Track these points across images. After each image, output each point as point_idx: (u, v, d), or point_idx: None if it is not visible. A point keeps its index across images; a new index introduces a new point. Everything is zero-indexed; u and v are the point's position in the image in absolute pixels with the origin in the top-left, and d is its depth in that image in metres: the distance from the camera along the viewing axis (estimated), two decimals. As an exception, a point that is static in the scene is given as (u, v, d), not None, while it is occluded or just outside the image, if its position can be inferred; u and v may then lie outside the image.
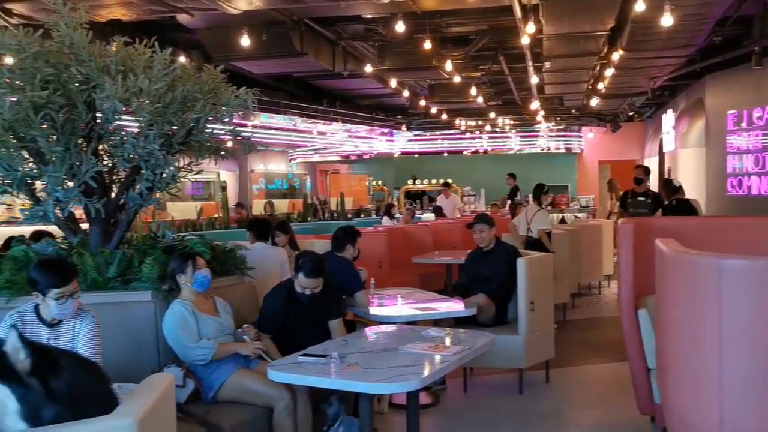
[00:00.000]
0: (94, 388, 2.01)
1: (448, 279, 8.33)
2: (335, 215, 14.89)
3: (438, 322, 5.02)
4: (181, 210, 13.06)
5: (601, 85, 11.83)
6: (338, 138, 19.57)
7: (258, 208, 15.99)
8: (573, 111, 17.35)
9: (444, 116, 17.59)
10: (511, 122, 19.74)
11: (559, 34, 8.16)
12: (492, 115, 17.84)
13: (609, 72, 10.31)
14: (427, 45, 9.18)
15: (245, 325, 3.94)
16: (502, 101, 16.14)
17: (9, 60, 4.09)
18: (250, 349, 3.73)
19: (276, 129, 16.82)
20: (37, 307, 3.21)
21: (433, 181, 19.82)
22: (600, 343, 7.17)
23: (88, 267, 3.90)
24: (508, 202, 14.06)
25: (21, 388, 1.87)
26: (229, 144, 4.95)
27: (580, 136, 20.96)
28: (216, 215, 13.06)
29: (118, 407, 1.74)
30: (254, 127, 15.11)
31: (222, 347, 3.69)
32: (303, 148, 20.89)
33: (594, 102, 14.06)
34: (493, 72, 12.51)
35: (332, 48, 10.12)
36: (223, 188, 14.64)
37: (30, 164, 4.04)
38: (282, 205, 17.16)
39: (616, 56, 9.11)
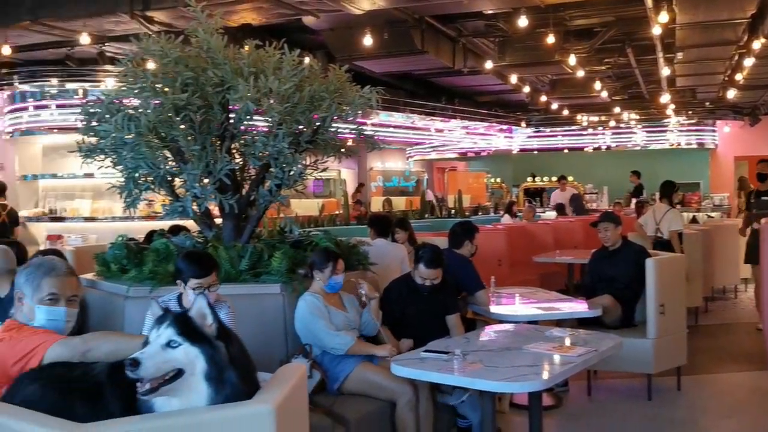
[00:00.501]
0: (250, 365, 2.16)
1: (569, 279, 8.11)
2: (453, 213, 14.84)
3: (560, 323, 4.90)
4: (304, 207, 13.47)
5: (739, 76, 11.08)
6: (456, 135, 19.48)
7: (376, 205, 16.22)
8: (706, 104, 16.35)
9: (565, 112, 17.10)
10: (637, 117, 18.89)
11: (694, 22, 7.71)
12: (617, 109, 17.15)
13: (748, 62, 9.63)
14: (550, 39, 8.95)
15: (361, 282, 4.01)
16: (628, 95, 15.47)
17: (151, 65, 4.39)
18: (388, 350, 3.78)
19: (394, 127, 16.97)
20: (180, 297, 3.43)
21: (553, 179, 19.34)
22: (737, 350, 6.73)
23: (222, 260, 4.10)
24: (634, 200, 13.48)
25: (210, 350, 2.03)
26: (350, 142, 5.07)
27: (714, 131, 19.70)
28: (336, 212, 13.36)
29: (257, 394, 1.83)
30: (373, 125, 15.33)
31: (359, 345, 3.77)
32: (421, 146, 20.97)
33: (731, 94, 13.18)
34: (620, 65, 12.03)
35: (452, 45, 10.09)
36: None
37: (170, 162, 4.32)
38: (400, 203, 17.30)
39: (757, 45, 8.49)
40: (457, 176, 21.65)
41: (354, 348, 3.73)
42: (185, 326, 2.07)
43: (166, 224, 6.19)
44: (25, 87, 10.07)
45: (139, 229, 7.67)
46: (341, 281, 3.92)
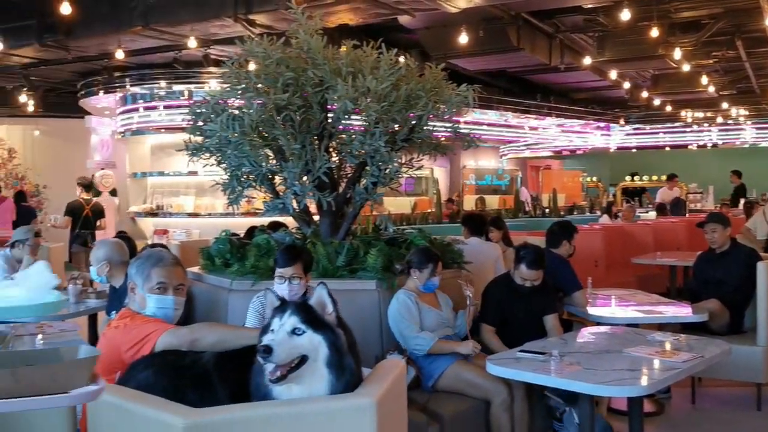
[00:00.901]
0: (360, 355, 2.22)
1: (671, 282, 7.79)
2: (547, 212, 14.56)
3: (662, 327, 4.72)
4: (396, 205, 13.57)
5: None
6: (551, 133, 19.09)
7: (469, 203, 16.13)
8: (824, 98, 15.32)
9: (668, 108, 16.43)
10: (746, 113, 17.90)
11: (812, 12, 7.25)
12: (724, 105, 16.32)
13: None
14: (654, 33, 8.63)
15: (468, 285, 4.02)
16: (737, 90, 14.69)
17: (252, 66, 4.54)
18: (470, 347, 3.77)
19: (488, 125, 16.82)
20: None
21: (654, 178, 18.62)
22: None
23: (320, 256, 4.20)
24: (742, 200, 12.78)
25: (332, 337, 2.11)
26: (442, 140, 5.06)
27: (836, 127, 18.39)
28: (429, 210, 13.39)
29: (359, 387, 1.88)
30: (466, 123, 15.24)
31: (440, 343, 3.77)
32: (514, 144, 20.67)
33: None
34: (728, 59, 11.45)
35: (549, 41, 9.91)
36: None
37: (271, 161, 4.46)
38: (492, 201, 17.14)
39: None
40: (552, 175, 21.21)
41: (436, 347, 3.73)
42: (308, 314, 2.15)
43: (264, 221, 6.39)
44: (136, 89, 10.64)
45: (239, 225, 7.95)
46: (438, 283, 3.93)
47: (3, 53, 8.85)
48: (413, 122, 4.44)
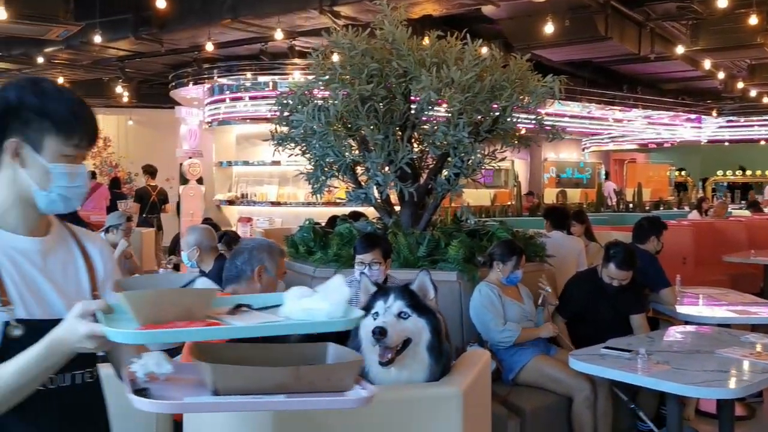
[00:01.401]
0: (451, 342, 2.25)
1: (765, 281, 7.43)
2: (631, 206, 14.12)
3: (756, 328, 4.51)
4: (475, 197, 13.46)
5: None
6: (637, 125, 18.46)
7: (549, 196, 15.83)
8: None
9: (765, 100, 15.61)
10: None
11: None
12: (827, 97, 15.38)
13: None
14: (753, 20, 8.20)
15: (545, 285, 3.97)
16: (841, 81, 13.81)
17: (335, 57, 4.60)
18: (551, 329, 3.74)
19: (570, 116, 16.43)
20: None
21: (748, 173, 17.75)
22: None
23: (401, 246, 4.23)
24: None
25: (435, 321, 2.16)
26: (523, 131, 4.98)
27: None
28: (509, 202, 13.22)
29: (444, 377, 1.89)
30: (548, 115, 14.94)
31: (525, 332, 3.75)
32: (597, 136, 20.11)
33: None
34: (833, 47, 10.75)
35: (638, 30, 9.57)
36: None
37: (355, 151, 4.51)
38: (574, 194, 16.75)
39: None
40: (637, 168, 20.55)
41: (522, 337, 3.71)
42: (412, 298, 2.20)
43: (344, 210, 6.48)
44: (223, 80, 10.95)
45: (319, 214, 8.08)
46: (520, 276, 3.89)
47: (101, 46, 9.29)
48: (497, 113, 4.40)
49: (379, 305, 2.16)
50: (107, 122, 15.83)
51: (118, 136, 15.89)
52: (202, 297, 1.28)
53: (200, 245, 4.31)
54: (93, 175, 13.25)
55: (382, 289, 2.24)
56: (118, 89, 13.05)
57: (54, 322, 1.33)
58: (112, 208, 11.58)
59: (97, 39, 8.54)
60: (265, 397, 1.22)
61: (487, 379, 2.14)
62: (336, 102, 4.21)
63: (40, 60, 10.36)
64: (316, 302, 1.25)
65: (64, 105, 1.43)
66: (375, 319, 2.13)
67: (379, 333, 2.02)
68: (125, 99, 13.61)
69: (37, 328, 1.35)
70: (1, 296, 1.37)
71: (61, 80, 13.03)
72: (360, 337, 2.09)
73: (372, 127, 4.24)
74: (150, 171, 11.47)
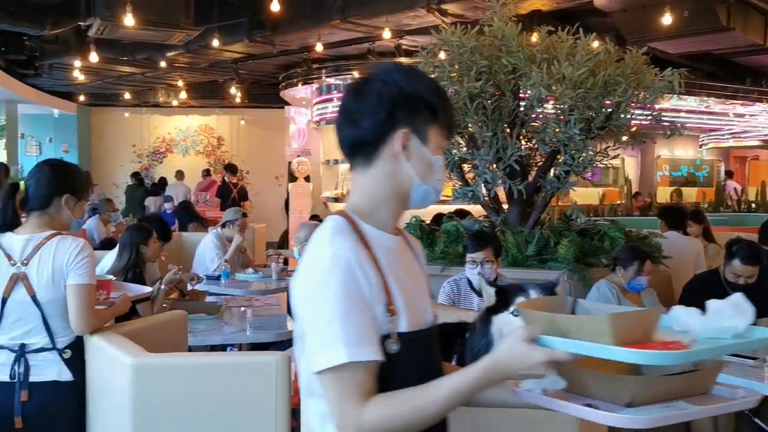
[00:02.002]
0: None
1: None
2: (754, 207, 13.31)
3: None
4: (583, 195, 13.09)
5: None
6: (760, 120, 17.36)
7: (663, 195, 15.17)
8: None
9: None
10: None
11: None
12: None
13: None
14: None
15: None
16: None
17: (442, 55, 4.61)
18: None
19: (686, 112, 15.67)
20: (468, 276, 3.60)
21: None
22: None
23: (510, 244, 4.19)
24: None
25: None
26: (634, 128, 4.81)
27: None
28: (618, 201, 12.79)
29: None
30: (662, 110, 14.32)
31: None
32: (716, 132, 19.05)
33: None
34: None
35: (764, 19, 8.99)
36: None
37: (462, 149, 4.51)
38: (690, 194, 15.97)
39: None
40: (760, 166, 19.33)
41: None
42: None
43: (448, 208, 6.47)
44: (331, 80, 11.20)
45: (423, 212, 8.10)
46: (644, 283, 3.72)
47: (218, 49, 9.72)
48: (609, 110, 4.28)
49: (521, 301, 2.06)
50: (221, 122, 16.58)
51: (231, 136, 16.58)
52: (655, 318, 1.31)
53: None
54: (207, 172, 13.94)
55: (520, 287, 2.16)
56: (232, 90, 13.62)
57: (424, 333, 1.28)
58: (229, 204, 12.24)
59: (215, 43, 8.95)
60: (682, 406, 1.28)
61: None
62: (444, 100, 4.21)
63: (162, 64, 10.97)
64: (731, 321, 1.28)
65: (439, 95, 1.36)
66: (518, 315, 2.02)
67: None
68: (238, 99, 14.19)
69: (410, 341, 1.27)
70: (388, 304, 1.25)
71: (180, 83, 13.77)
72: (492, 335, 2.02)
73: (480, 124, 4.23)
74: (231, 169, 12.26)
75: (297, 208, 11.66)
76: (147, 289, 3.48)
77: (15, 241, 2.43)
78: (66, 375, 2.42)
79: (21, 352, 2.39)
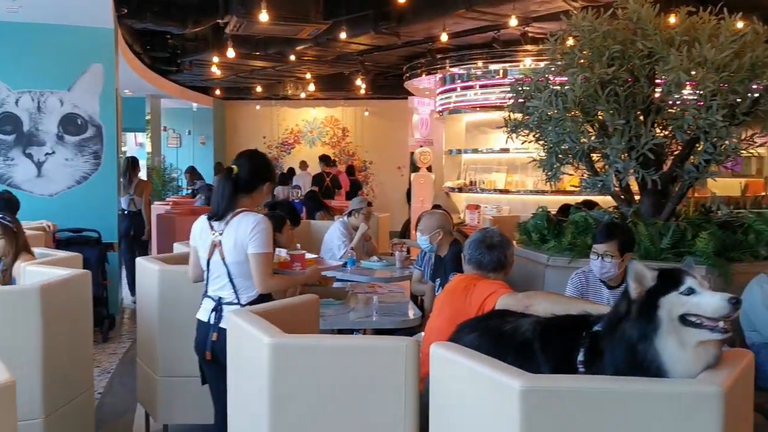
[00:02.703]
0: None
1: None
2: None
3: None
4: (721, 187, 12.29)
5: None
6: None
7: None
8: None
9: None
10: None
11: None
12: None
13: None
14: None
15: None
16: None
17: (570, 42, 4.47)
18: None
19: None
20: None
21: None
22: None
23: (642, 236, 4.02)
24: None
25: None
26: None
27: None
28: (762, 194, 11.91)
29: (702, 374, 1.77)
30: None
31: None
32: None
33: None
34: None
35: None
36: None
37: (592, 137, 4.37)
38: None
39: None
40: None
41: None
42: None
43: (574, 199, 6.29)
44: (455, 70, 11.16)
45: (549, 202, 7.93)
46: None
47: (345, 42, 9.95)
48: (757, 94, 4.00)
49: (690, 281, 1.94)
50: (346, 114, 16.98)
51: (355, 127, 16.95)
52: None
53: (443, 228, 4.42)
54: (333, 162, 14.34)
55: (677, 269, 2.06)
56: (357, 82, 13.90)
57: None
58: (350, 193, 12.53)
59: (342, 35, 9.16)
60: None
61: (750, 381, 1.96)
62: (574, 87, 4.10)
63: (292, 57, 11.37)
64: None
65: None
66: (690, 294, 1.94)
67: (736, 302, 1.82)
68: (362, 91, 14.46)
69: None
70: None
71: (308, 75, 14.22)
72: (660, 318, 1.90)
73: (612, 111, 4.08)
74: (325, 159, 12.70)
75: (419, 198, 11.76)
76: (336, 264, 4.18)
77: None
78: None
79: (218, 303, 3.01)
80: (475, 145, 11.44)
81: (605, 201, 5.20)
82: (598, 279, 3.48)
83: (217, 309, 3.00)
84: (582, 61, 4.22)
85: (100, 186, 6.75)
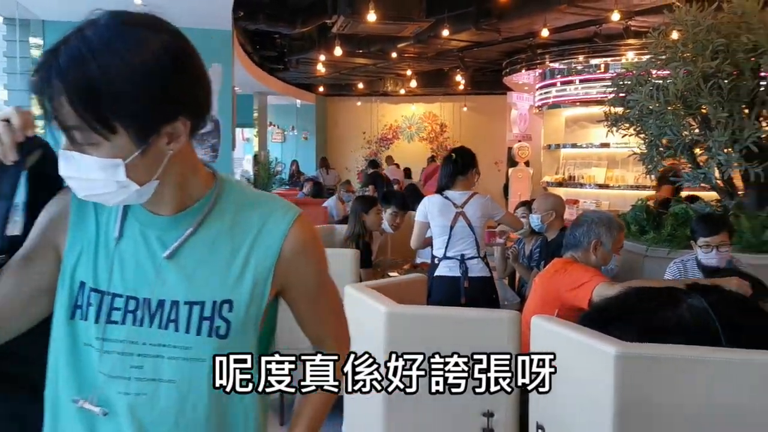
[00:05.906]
0: None
1: None
2: None
3: None
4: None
5: None
6: None
7: None
8: None
9: None
10: None
11: None
12: None
13: None
14: None
15: None
16: None
17: (674, 35, 4.51)
18: None
19: None
20: (698, 258, 3.57)
21: None
22: None
23: (744, 229, 4.05)
24: None
25: None
26: None
27: None
28: None
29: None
30: None
31: None
32: None
33: None
34: None
35: None
36: None
37: (694, 130, 4.41)
38: None
39: None
40: None
41: None
42: None
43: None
44: (555, 65, 11.16)
45: (648, 197, 7.86)
46: None
47: (446, 39, 10.17)
48: None
49: None
50: (445, 109, 17.18)
51: (453, 122, 17.12)
52: None
53: (556, 210, 4.45)
54: (432, 158, 14.60)
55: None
56: (457, 78, 14.08)
57: None
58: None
59: (445, 33, 9.40)
60: None
61: None
62: (676, 80, 4.17)
63: (393, 55, 11.69)
64: None
65: None
66: None
67: None
68: (461, 87, 14.63)
69: None
70: None
71: (408, 72, 14.53)
72: None
73: (715, 104, 4.12)
74: (373, 164, 13.28)
75: (516, 192, 11.83)
76: None
77: (453, 194, 3.90)
78: (486, 272, 3.87)
79: (462, 259, 3.81)
80: (575, 139, 11.40)
81: (707, 194, 5.19)
82: (696, 267, 3.56)
83: (462, 264, 3.81)
84: (685, 54, 4.27)
85: (216, 178, 7.28)
